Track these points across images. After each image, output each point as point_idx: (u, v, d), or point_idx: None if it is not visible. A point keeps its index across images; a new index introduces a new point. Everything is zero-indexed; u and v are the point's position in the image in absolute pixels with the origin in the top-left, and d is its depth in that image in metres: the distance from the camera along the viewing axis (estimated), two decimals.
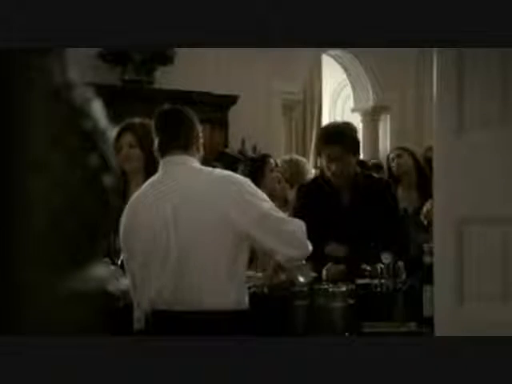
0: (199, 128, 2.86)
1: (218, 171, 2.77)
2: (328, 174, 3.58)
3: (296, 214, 3.75)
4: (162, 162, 2.76)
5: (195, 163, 2.75)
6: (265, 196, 2.69)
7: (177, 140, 2.76)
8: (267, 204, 2.65)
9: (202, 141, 2.87)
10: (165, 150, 2.76)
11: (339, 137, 3.56)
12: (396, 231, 3.47)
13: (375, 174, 3.88)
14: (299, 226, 2.70)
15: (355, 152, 3.62)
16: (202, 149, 2.86)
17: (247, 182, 2.69)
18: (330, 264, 3.33)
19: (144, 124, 3.34)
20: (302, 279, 3.02)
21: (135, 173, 3.28)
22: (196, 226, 2.56)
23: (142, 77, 7.19)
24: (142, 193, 2.74)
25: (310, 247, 2.69)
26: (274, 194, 4.30)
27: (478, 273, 2.49)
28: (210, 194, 2.60)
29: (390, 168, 4.73)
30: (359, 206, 3.52)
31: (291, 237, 2.64)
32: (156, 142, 2.78)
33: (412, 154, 4.69)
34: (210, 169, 2.77)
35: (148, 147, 3.28)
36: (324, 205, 3.56)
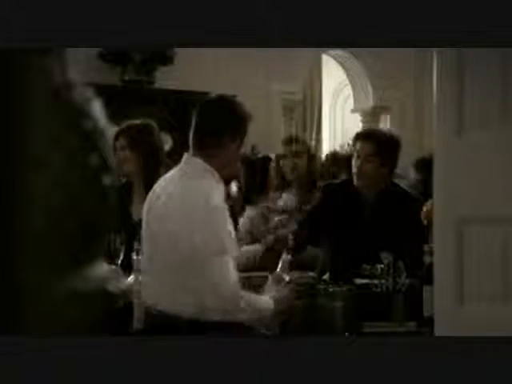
0: (244, 131, 2.57)
1: (194, 184, 2.46)
2: (355, 176, 3.45)
3: (313, 212, 3.73)
4: (184, 156, 2.59)
5: (199, 170, 2.47)
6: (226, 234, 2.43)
7: (206, 138, 2.53)
8: (229, 245, 2.41)
9: (238, 155, 2.57)
10: (192, 145, 2.54)
11: (376, 136, 3.52)
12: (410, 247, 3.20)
13: (407, 189, 3.67)
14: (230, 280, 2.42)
15: (389, 161, 3.45)
16: (236, 165, 2.58)
17: (224, 208, 2.44)
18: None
19: (139, 125, 3.36)
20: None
21: (132, 175, 3.31)
22: (174, 236, 2.41)
23: (142, 77, 7.19)
24: (154, 189, 2.66)
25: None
26: (271, 193, 4.33)
27: (478, 273, 2.49)
28: (180, 205, 2.42)
29: None
30: (379, 215, 3.42)
31: (217, 281, 2.39)
32: (190, 132, 2.56)
33: None
34: (192, 179, 2.48)
35: (144, 149, 3.29)
36: (344, 206, 3.49)
